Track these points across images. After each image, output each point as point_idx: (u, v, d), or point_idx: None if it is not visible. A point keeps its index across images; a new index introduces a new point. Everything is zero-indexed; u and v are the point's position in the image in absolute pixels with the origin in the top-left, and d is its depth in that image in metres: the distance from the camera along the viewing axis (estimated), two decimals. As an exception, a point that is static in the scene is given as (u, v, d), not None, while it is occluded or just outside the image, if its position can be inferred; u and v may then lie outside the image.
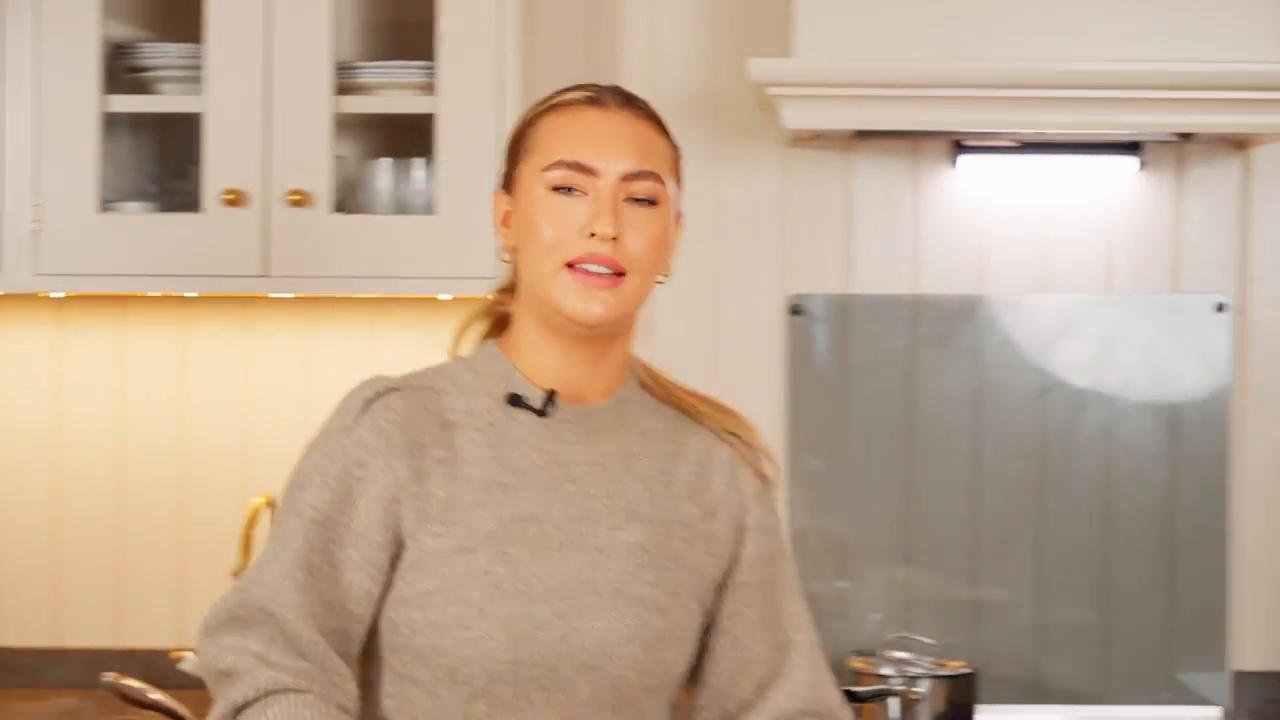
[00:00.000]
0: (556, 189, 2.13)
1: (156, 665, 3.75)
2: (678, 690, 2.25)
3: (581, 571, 2.14)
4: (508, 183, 2.23)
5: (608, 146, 2.15)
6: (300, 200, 3.45)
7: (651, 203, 2.16)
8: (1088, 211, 3.78)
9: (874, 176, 3.75)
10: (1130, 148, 3.69)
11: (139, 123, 3.71)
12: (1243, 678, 3.69)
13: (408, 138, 3.71)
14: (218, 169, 3.50)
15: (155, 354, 3.92)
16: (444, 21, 3.51)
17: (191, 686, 3.55)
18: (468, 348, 2.32)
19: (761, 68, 3.30)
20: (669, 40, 3.76)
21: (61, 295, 3.81)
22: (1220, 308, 3.69)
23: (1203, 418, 3.70)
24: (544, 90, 3.57)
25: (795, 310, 3.71)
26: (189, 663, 3.56)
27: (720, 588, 2.25)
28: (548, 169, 2.14)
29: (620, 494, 2.20)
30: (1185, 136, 3.62)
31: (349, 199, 3.63)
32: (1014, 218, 3.75)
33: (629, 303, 2.15)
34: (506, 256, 2.24)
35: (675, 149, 2.24)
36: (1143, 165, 3.71)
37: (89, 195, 3.51)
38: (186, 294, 3.73)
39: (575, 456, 2.20)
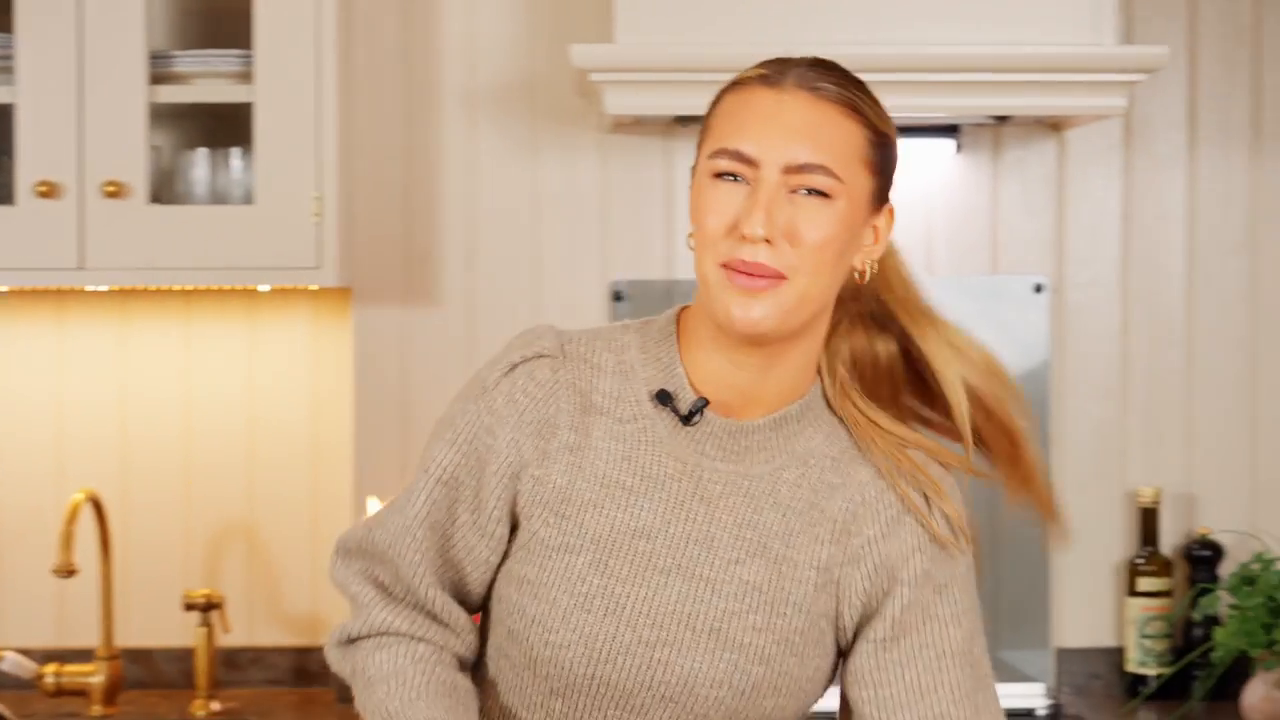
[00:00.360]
0: (719, 175, 1.98)
1: None
2: None
3: (682, 603, 2.04)
4: (695, 165, 2.08)
5: (772, 134, 1.97)
6: (115, 191, 3.40)
7: (822, 195, 1.97)
8: (906, 194, 3.66)
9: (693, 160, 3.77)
10: (947, 130, 3.73)
11: None
12: (1065, 655, 3.75)
13: (225, 127, 3.67)
14: (30, 161, 3.44)
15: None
16: (260, 9, 3.46)
17: (10, 687, 3.61)
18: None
19: (583, 54, 3.29)
20: (487, 27, 3.75)
21: None
22: (1038, 288, 3.74)
23: (1024, 393, 3.72)
24: (361, 78, 3.61)
25: (617, 296, 3.73)
26: (8, 662, 3.54)
27: (860, 638, 2.10)
28: (713, 155, 1.99)
29: (752, 524, 2.07)
30: (1001, 119, 3.66)
31: (165, 189, 3.58)
32: None
33: (793, 309, 1.97)
34: (692, 244, 2.05)
35: (872, 133, 2.03)
36: (960, 148, 3.76)
37: None
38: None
39: (714, 474, 2.08)
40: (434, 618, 2.09)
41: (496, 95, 3.75)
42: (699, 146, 2.05)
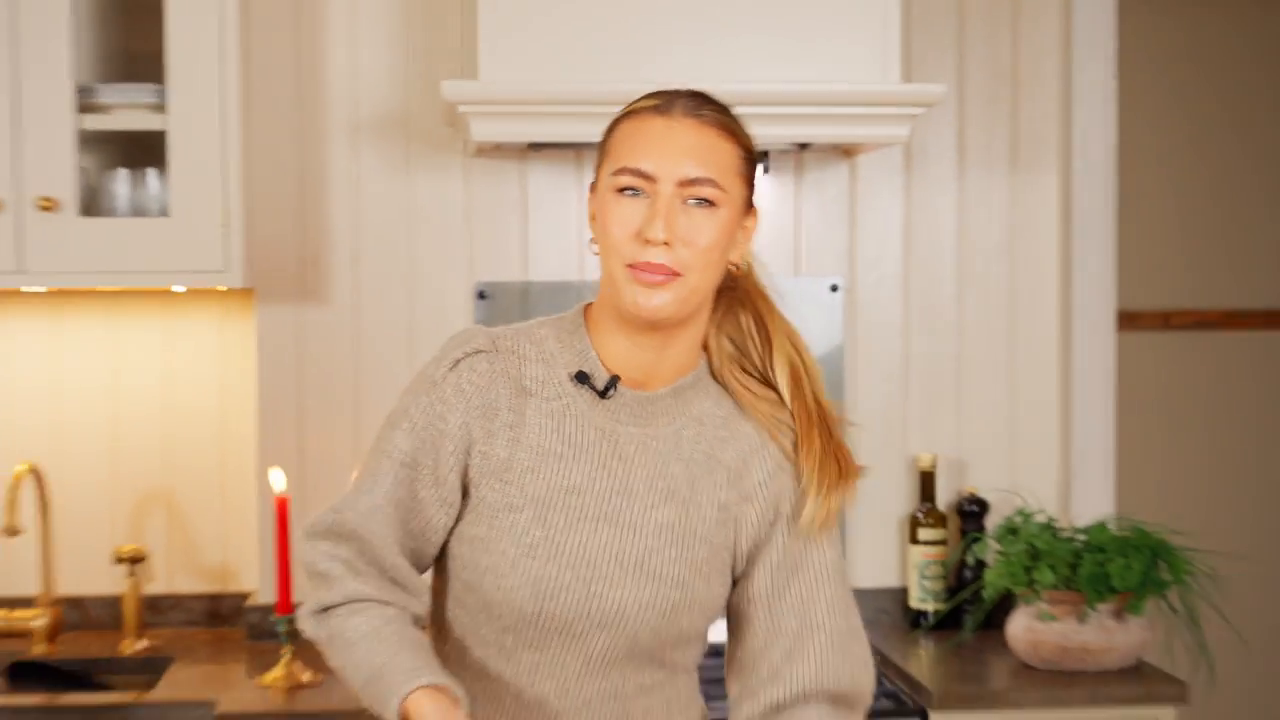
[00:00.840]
0: (621, 190, 2.09)
1: None
2: (701, 640, 2.25)
3: (610, 544, 2.13)
4: (594, 183, 2.18)
5: (667, 154, 2.07)
6: (49, 205, 3.42)
7: (708, 203, 2.08)
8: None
9: (545, 181, 3.79)
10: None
11: None
12: (858, 594, 3.53)
13: (143, 151, 3.65)
14: None
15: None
16: (172, 49, 3.45)
17: None
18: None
19: (452, 88, 3.28)
20: (368, 64, 3.76)
21: None
22: (834, 288, 3.80)
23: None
24: (260, 108, 3.70)
25: (481, 295, 3.76)
26: None
27: (754, 564, 2.21)
28: (615, 174, 2.09)
29: (662, 475, 2.17)
30: (802, 146, 3.66)
31: (92, 204, 3.58)
32: None
33: (686, 298, 2.09)
34: (595, 249, 2.16)
35: (743, 150, 2.15)
36: (767, 170, 3.77)
37: None
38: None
39: (627, 437, 2.17)
40: (397, 584, 2.14)
41: (376, 123, 3.77)
42: (598, 168, 2.15)
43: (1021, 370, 3.91)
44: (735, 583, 2.24)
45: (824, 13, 3.41)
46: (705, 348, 2.24)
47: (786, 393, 2.22)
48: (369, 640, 2.09)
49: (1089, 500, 3.92)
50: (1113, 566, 3.29)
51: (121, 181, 3.61)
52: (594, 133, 3.28)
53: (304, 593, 2.18)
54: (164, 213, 3.55)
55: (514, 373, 2.18)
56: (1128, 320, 5.23)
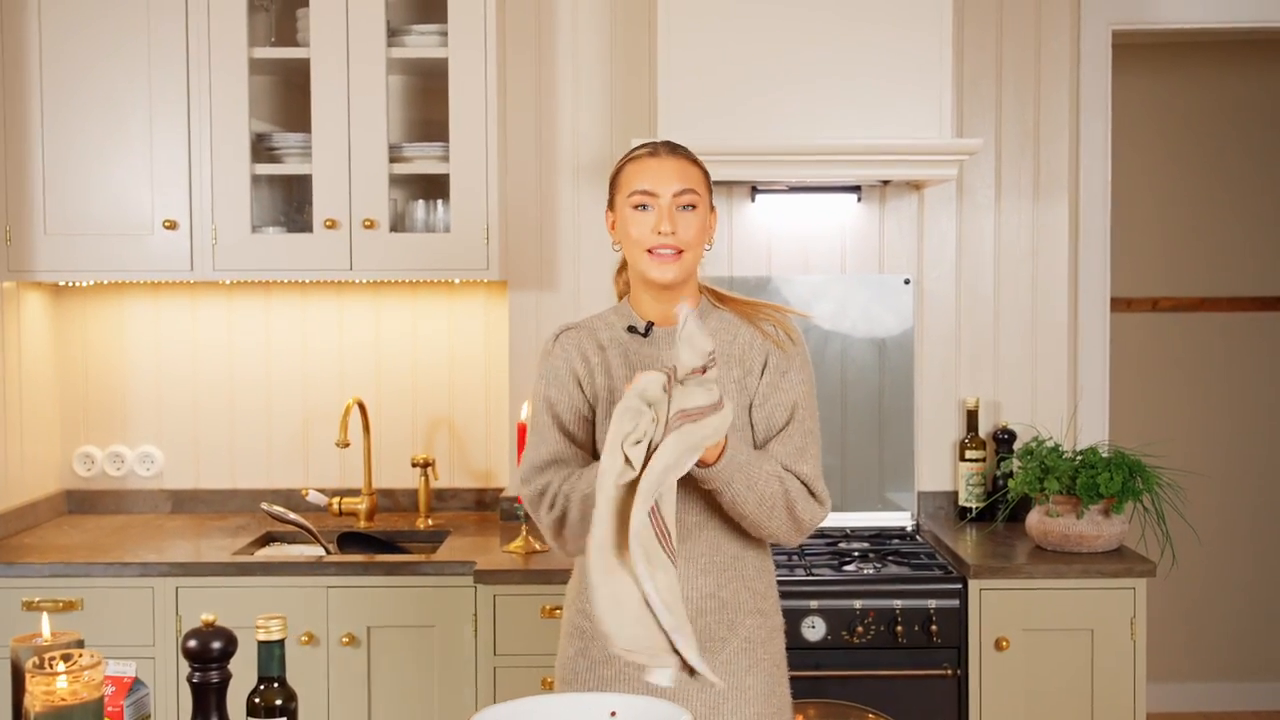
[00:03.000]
0: (636, 207, 2.27)
1: (293, 498, 3.89)
2: None
3: None
4: (611, 204, 2.34)
5: (662, 180, 2.25)
6: (370, 225, 3.44)
7: (692, 207, 2.26)
8: (829, 227, 3.80)
9: None
10: (853, 189, 3.73)
11: (273, 179, 3.71)
12: (923, 495, 3.79)
13: (433, 187, 3.66)
14: (321, 207, 3.47)
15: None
16: (453, 118, 3.46)
17: (311, 510, 3.78)
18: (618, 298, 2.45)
19: (638, 142, 3.24)
20: (584, 125, 3.77)
21: (229, 283, 3.84)
22: (907, 281, 3.75)
23: (898, 346, 3.74)
24: (511, 156, 3.71)
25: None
26: (312, 496, 3.68)
27: (751, 404, 2.33)
28: (630, 196, 2.27)
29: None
30: (885, 183, 3.65)
31: (399, 224, 3.58)
32: (788, 230, 3.78)
33: (687, 266, 2.28)
34: (617, 247, 2.36)
35: (704, 172, 2.32)
36: (860, 199, 3.77)
37: (245, 221, 3.52)
38: None
39: (668, 357, 2.29)
40: (582, 462, 2.30)
41: (590, 166, 3.78)
42: (613, 196, 2.32)
43: (1041, 339, 3.83)
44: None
45: (900, 90, 3.38)
46: (701, 290, 2.39)
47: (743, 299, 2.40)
48: (582, 481, 2.20)
49: (1088, 433, 3.87)
50: (1101, 478, 3.25)
51: (419, 209, 3.67)
52: (737, 174, 3.38)
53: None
54: (447, 230, 3.61)
55: (591, 337, 2.37)
56: (1124, 304, 5.20)
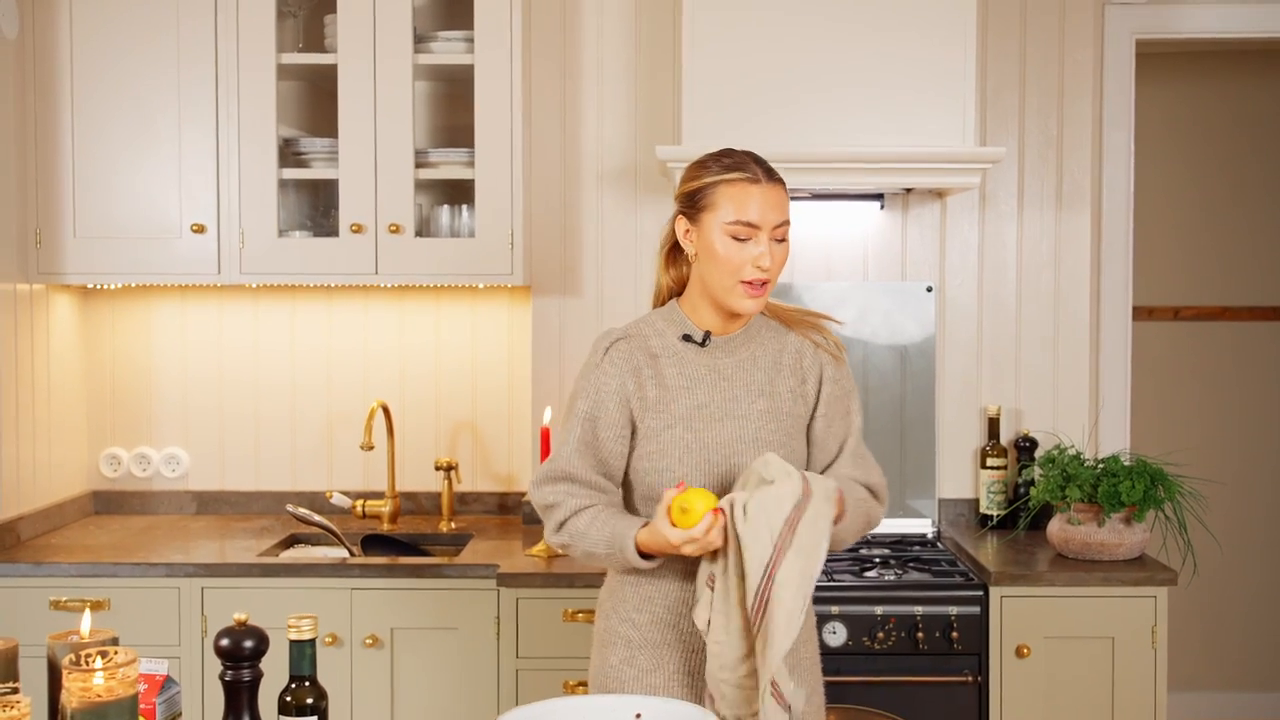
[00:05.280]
0: (735, 237, 2.20)
1: (317, 500, 3.90)
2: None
3: (734, 431, 2.25)
4: (689, 214, 2.26)
5: (766, 212, 2.20)
6: (396, 229, 3.46)
7: (784, 239, 2.24)
8: (852, 234, 3.80)
9: None
10: (876, 197, 3.74)
11: (300, 184, 3.71)
12: (944, 503, 3.79)
13: (459, 193, 3.66)
14: (347, 211, 3.48)
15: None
16: (479, 125, 3.48)
17: (336, 512, 3.78)
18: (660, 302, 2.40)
19: (663, 151, 3.28)
20: (609, 134, 3.78)
21: (255, 286, 3.85)
22: (929, 289, 3.75)
23: (920, 353, 3.74)
24: (536, 164, 3.69)
25: None
26: (335, 498, 3.69)
27: (812, 418, 2.34)
28: (730, 224, 2.20)
29: (752, 381, 2.29)
30: (908, 190, 3.68)
31: (424, 229, 3.58)
32: (810, 237, 3.77)
33: (768, 294, 2.26)
34: (692, 251, 2.26)
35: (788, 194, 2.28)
36: (883, 206, 3.77)
37: (271, 225, 3.54)
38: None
39: (724, 365, 2.30)
40: (597, 489, 2.30)
41: (614, 174, 3.79)
42: (699, 209, 2.23)
43: (1062, 348, 3.83)
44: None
45: (923, 98, 3.38)
46: None
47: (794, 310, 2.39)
48: (595, 525, 2.25)
49: (1109, 441, 3.87)
50: (1123, 486, 3.25)
51: (444, 214, 3.68)
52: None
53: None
54: (472, 235, 3.61)
55: (643, 346, 2.32)
56: (1146, 313, 5.20)
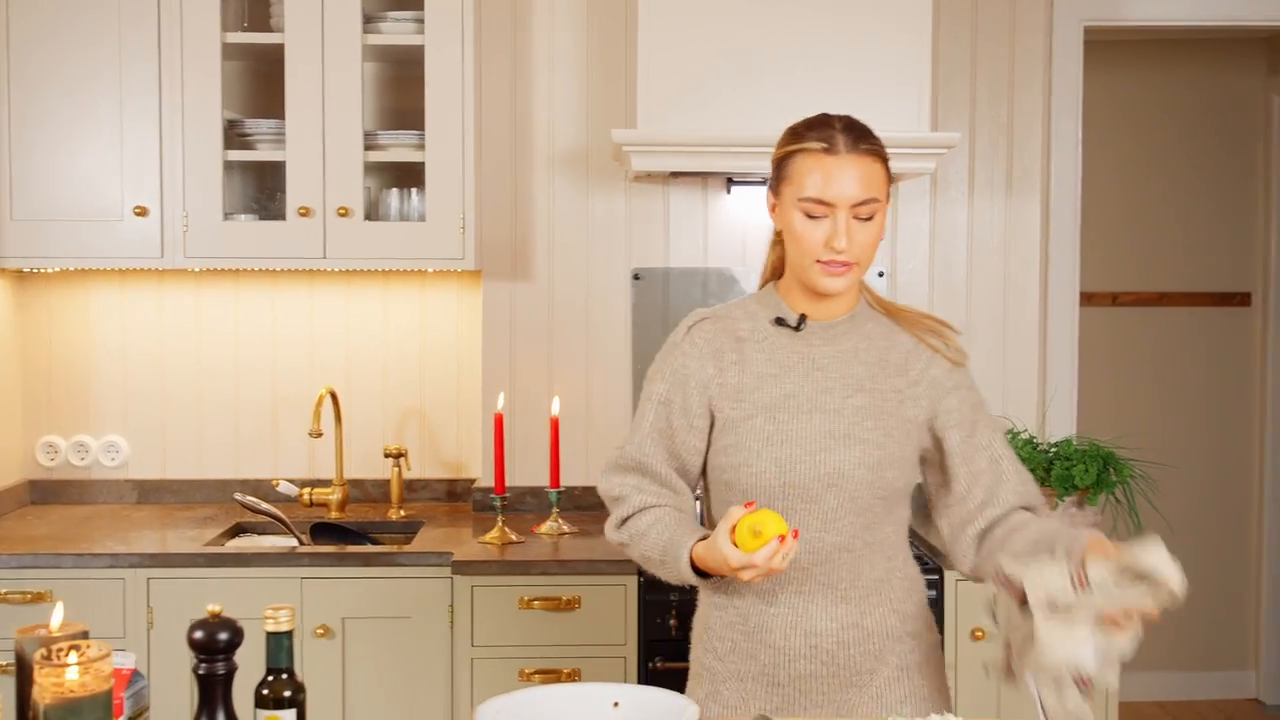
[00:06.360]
0: (809, 215, 2.02)
1: (262, 488, 3.83)
2: (905, 500, 2.13)
3: (823, 425, 2.06)
4: (774, 186, 2.10)
5: (841, 187, 2.00)
6: (344, 213, 3.42)
7: (870, 217, 2.03)
8: None
9: (681, 198, 3.77)
10: None
11: (246, 166, 3.67)
12: None
13: (409, 176, 3.63)
14: (294, 194, 3.43)
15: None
16: (429, 106, 3.43)
17: (283, 500, 3.72)
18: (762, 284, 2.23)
19: (619, 134, 3.27)
20: (560, 117, 3.76)
21: (198, 270, 3.76)
22: (881, 274, 3.77)
23: None
24: (487, 147, 3.66)
25: (636, 277, 3.75)
26: (283, 486, 3.66)
27: (934, 429, 2.11)
28: (801, 200, 2.02)
29: (850, 375, 2.09)
30: None
31: (374, 212, 3.54)
32: (761, 223, 3.62)
33: (855, 279, 2.07)
34: (778, 227, 2.11)
35: (885, 164, 2.06)
36: None
37: (217, 208, 3.47)
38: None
39: (820, 354, 2.11)
40: (667, 487, 2.14)
41: (566, 157, 3.77)
42: (779, 182, 2.08)
43: (1012, 333, 3.86)
44: (931, 450, 2.14)
45: (878, 84, 3.37)
46: (862, 288, 2.19)
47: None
48: (655, 528, 2.10)
49: (1058, 424, 3.91)
50: (1075, 470, 3.29)
51: (393, 197, 3.64)
52: (712, 166, 3.35)
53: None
54: (422, 219, 3.57)
55: (730, 329, 2.15)
56: (1085, 299, 5.25)
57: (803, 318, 2.13)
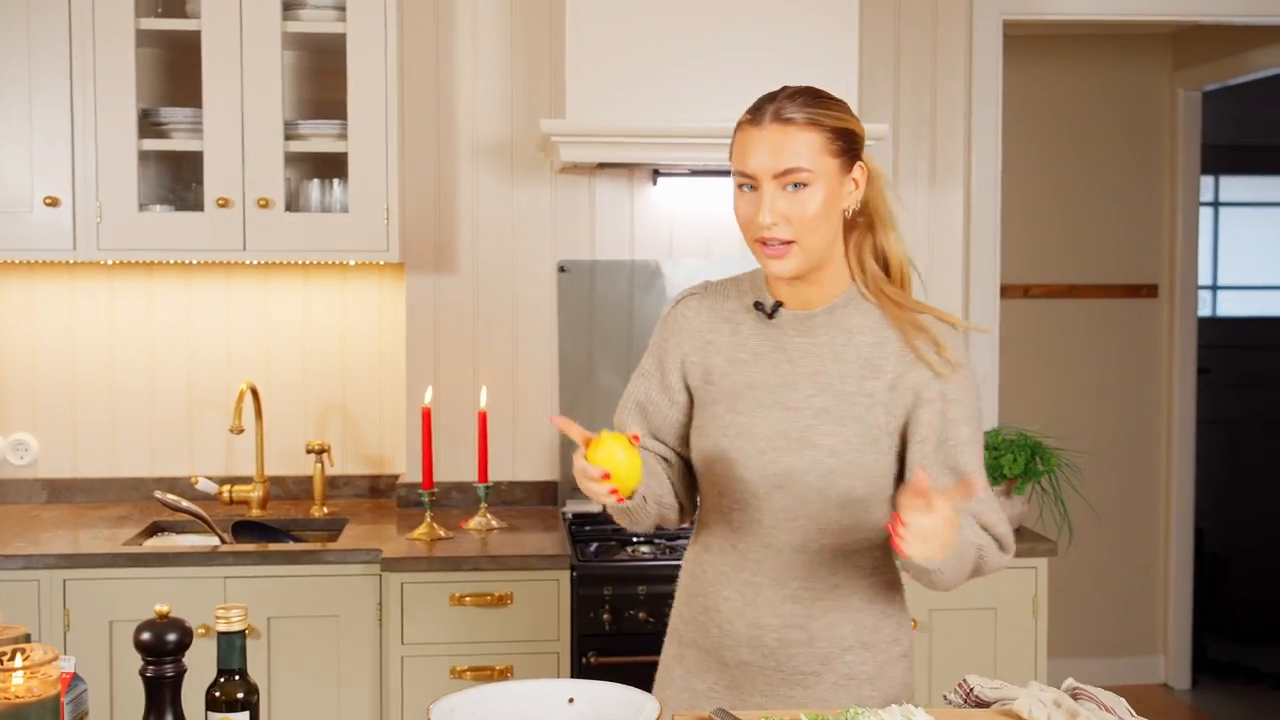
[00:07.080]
0: (740, 187, 1.95)
1: (178, 486, 3.75)
2: (869, 506, 1.99)
3: (780, 424, 1.99)
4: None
5: (760, 158, 1.92)
6: (265, 204, 3.37)
7: (803, 185, 1.92)
8: (730, 210, 3.79)
9: (607, 190, 3.76)
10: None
11: (161, 156, 3.55)
12: None
13: (331, 167, 3.59)
14: (213, 184, 3.37)
15: None
16: (351, 96, 3.40)
17: (201, 498, 3.65)
18: None
19: (547, 124, 3.25)
20: (484, 107, 3.73)
21: (111, 263, 3.70)
22: None
23: None
24: (410, 137, 3.63)
25: (561, 269, 3.74)
26: (202, 483, 3.58)
27: (910, 441, 1.98)
28: (734, 175, 1.96)
29: (820, 372, 2.00)
30: None
31: (294, 203, 3.51)
32: (688, 215, 3.77)
33: (806, 257, 1.95)
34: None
35: (828, 132, 1.93)
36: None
37: (131, 199, 3.40)
38: None
39: (792, 345, 2.02)
40: (648, 451, 2.11)
41: (491, 148, 3.74)
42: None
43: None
44: (903, 458, 2.01)
45: (805, 74, 3.24)
46: (852, 273, 2.05)
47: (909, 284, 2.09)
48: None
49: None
50: (1004, 460, 3.33)
51: (315, 188, 3.59)
52: (638, 157, 3.35)
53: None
54: (344, 210, 3.53)
55: (717, 306, 2.11)
56: (1001, 291, 5.31)
57: (778, 304, 2.06)
